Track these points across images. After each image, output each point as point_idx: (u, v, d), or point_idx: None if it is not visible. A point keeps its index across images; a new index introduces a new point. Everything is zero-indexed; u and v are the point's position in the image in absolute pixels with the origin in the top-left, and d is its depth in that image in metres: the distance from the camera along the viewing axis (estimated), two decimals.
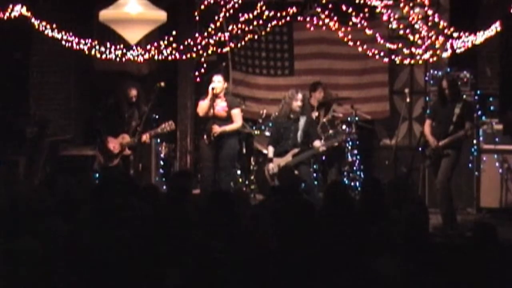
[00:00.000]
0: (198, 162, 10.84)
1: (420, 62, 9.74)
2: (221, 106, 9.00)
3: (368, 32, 9.56)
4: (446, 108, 8.48)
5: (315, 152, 9.10)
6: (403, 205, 6.07)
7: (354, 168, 10.07)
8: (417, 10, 9.45)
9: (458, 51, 8.93)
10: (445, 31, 9.00)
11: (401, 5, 9.36)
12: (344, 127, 9.98)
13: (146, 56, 9.80)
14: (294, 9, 10.00)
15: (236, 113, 9.07)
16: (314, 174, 9.85)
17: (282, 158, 8.99)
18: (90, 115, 10.67)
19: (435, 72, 9.74)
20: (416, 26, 9.28)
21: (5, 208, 5.71)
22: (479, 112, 9.55)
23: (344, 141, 9.71)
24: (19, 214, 5.50)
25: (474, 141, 9.50)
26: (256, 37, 10.34)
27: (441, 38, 8.98)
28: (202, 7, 10.05)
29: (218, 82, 8.97)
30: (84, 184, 6.79)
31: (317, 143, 9.01)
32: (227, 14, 9.91)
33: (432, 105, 9.04)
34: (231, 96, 9.34)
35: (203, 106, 9.07)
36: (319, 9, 9.71)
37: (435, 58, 9.31)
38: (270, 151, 9.17)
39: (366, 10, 9.48)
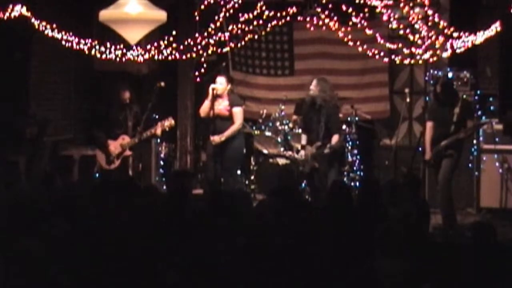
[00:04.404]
0: (198, 162, 10.85)
1: (420, 62, 9.74)
2: (223, 105, 8.96)
3: (368, 32, 9.55)
4: (445, 108, 8.48)
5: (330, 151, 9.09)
6: (403, 204, 6.09)
7: (354, 168, 10.07)
8: (417, 10, 9.45)
9: (458, 51, 8.92)
10: (445, 31, 8.99)
11: (401, 5, 9.36)
12: (344, 127, 9.97)
13: (146, 56, 9.80)
14: (294, 9, 9.99)
15: (237, 111, 8.98)
16: None
17: (311, 147, 9.06)
18: (89, 122, 10.68)
19: (435, 72, 9.74)
20: (416, 26, 9.27)
21: (5, 208, 5.71)
22: (479, 112, 9.55)
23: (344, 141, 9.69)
24: (20, 214, 5.51)
25: (474, 141, 9.50)
26: (256, 37, 10.33)
27: (441, 38, 8.98)
28: (202, 7, 10.05)
29: (220, 84, 8.96)
30: (84, 184, 6.79)
31: (334, 138, 8.97)
32: (227, 14, 9.90)
33: (430, 107, 9.03)
34: (234, 95, 9.28)
35: (203, 107, 9.04)
36: (319, 9, 9.71)
37: (435, 58, 9.30)
38: (303, 138, 9.23)
39: (366, 10, 9.47)
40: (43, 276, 4.38)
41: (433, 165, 8.58)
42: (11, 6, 9.37)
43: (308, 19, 10.18)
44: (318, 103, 8.95)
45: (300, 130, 9.80)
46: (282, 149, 10.15)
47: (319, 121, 8.98)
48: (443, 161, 8.42)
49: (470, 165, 9.56)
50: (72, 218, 5.50)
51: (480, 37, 8.84)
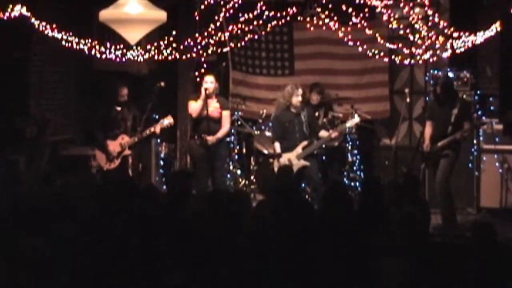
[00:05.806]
0: None
1: (420, 62, 9.75)
2: (214, 107, 8.95)
3: (368, 32, 9.56)
4: (443, 108, 8.49)
5: (327, 140, 9.07)
6: (403, 204, 6.09)
7: (354, 168, 10.07)
8: (417, 10, 9.46)
9: (458, 51, 8.93)
10: (445, 31, 9.00)
11: (401, 5, 9.37)
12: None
13: (146, 56, 9.81)
14: (294, 9, 10.02)
15: (226, 114, 9.03)
16: None
17: (291, 152, 8.96)
18: (89, 122, 10.68)
19: (435, 72, 9.74)
20: (416, 26, 9.28)
21: (6, 208, 5.71)
22: (479, 112, 9.55)
23: (358, 123, 9.61)
24: (20, 214, 5.51)
25: (474, 141, 9.51)
26: (256, 37, 10.35)
27: (441, 38, 8.99)
28: (202, 7, 10.05)
29: (210, 83, 8.93)
30: (84, 184, 6.79)
31: (323, 133, 9.00)
32: (227, 14, 9.91)
33: (429, 107, 9.03)
34: (222, 97, 9.30)
35: (196, 107, 8.96)
36: (319, 9, 9.72)
37: (435, 58, 9.31)
38: (277, 146, 9.07)
39: (366, 10, 9.49)
40: (43, 275, 4.39)
41: (432, 165, 8.59)
42: (11, 6, 9.38)
43: (308, 19, 10.20)
44: (299, 105, 8.93)
45: (269, 135, 9.71)
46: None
47: (301, 123, 8.95)
48: (440, 162, 8.43)
49: (470, 165, 9.56)
50: (73, 218, 5.51)
51: (480, 37, 8.84)
